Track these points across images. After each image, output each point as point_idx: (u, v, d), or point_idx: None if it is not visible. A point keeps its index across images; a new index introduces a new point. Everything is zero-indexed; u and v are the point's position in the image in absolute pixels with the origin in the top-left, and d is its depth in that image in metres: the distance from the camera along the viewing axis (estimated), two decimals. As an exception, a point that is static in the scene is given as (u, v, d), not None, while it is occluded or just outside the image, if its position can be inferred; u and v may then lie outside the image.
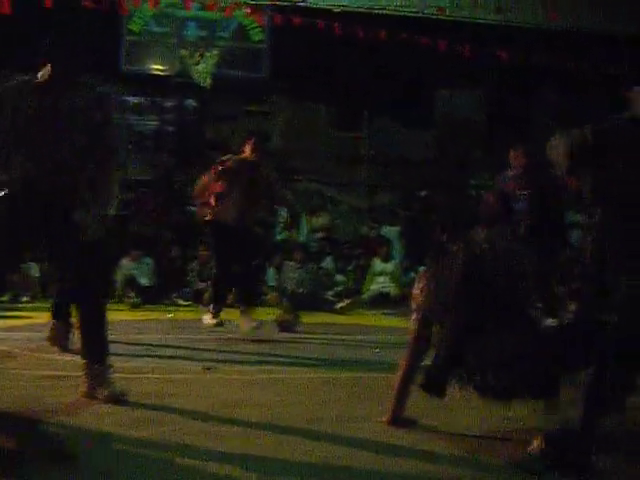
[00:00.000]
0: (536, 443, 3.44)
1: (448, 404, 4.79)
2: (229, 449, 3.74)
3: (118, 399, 4.62)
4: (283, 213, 15.10)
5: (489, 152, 17.61)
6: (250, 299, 8.39)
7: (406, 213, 16.72)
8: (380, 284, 13.95)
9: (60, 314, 6.63)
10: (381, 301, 13.34)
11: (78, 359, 5.09)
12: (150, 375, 5.70)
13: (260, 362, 6.58)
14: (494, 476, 3.37)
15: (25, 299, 11.86)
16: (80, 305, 4.77)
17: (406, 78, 18.33)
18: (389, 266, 14.11)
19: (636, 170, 4.57)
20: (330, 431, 4.11)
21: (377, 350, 7.37)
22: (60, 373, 5.54)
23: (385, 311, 12.05)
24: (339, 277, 14.46)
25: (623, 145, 4.66)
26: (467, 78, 18.50)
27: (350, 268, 14.88)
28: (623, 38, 16.20)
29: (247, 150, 8.41)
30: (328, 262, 14.45)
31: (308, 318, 9.60)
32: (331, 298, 12.77)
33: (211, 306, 8.41)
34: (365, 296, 13.77)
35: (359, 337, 8.73)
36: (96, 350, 4.71)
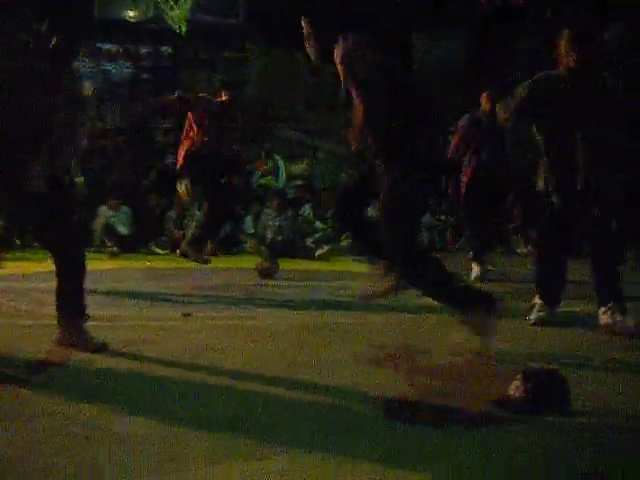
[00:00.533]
0: (516, 383, 3.47)
1: (423, 346, 4.85)
2: (208, 394, 3.75)
3: (96, 348, 4.60)
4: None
5: (468, 98, 17.53)
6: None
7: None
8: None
9: None
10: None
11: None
12: (128, 322, 5.70)
13: (239, 308, 6.59)
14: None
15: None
16: (55, 255, 4.74)
17: (385, 21, 18.11)
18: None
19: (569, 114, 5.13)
20: (309, 376, 4.12)
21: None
22: (38, 322, 5.51)
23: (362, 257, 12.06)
24: (318, 224, 14.46)
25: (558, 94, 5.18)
26: (446, 22, 18.35)
27: (329, 215, 14.85)
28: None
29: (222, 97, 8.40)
30: (307, 209, 14.44)
31: (287, 265, 9.61)
32: (310, 245, 12.78)
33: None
34: (344, 243, 13.78)
35: (337, 283, 8.74)
36: (72, 299, 4.70)
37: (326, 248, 12.06)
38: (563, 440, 3.09)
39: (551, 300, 5.76)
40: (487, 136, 8.44)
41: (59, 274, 4.71)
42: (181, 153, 8.34)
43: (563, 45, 5.54)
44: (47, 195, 4.53)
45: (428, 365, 4.38)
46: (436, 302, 4.68)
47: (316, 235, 13.75)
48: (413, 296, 5.21)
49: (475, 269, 8.67)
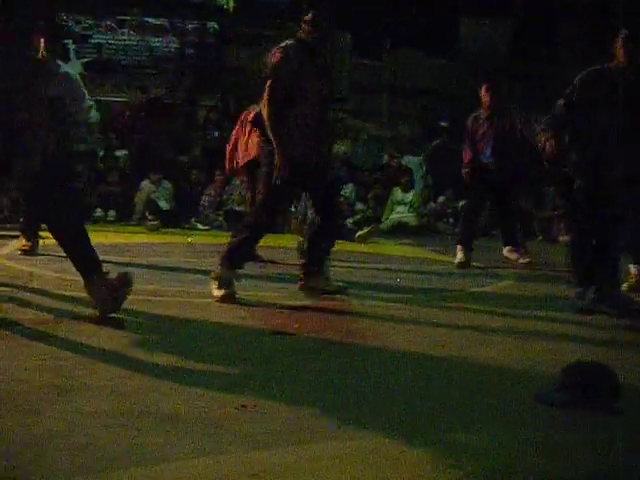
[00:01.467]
0: (561, 376, 3.39)
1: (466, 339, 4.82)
2: (244, 373, 3.75)
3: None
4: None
5: (511, 86, 17.41)
6: None
7: (429, 144, 16.61)
8: (400, 214, 13.97)
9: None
10: (400, 230, 13.39)
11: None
12: (168, 297, 5.73)
13: (279, 288, 6.57)
14: (515, 409, 3.35)
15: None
16: (51, 230, 4.95)
17: (429, 6, 18.02)
18: (409, 196, 14.12)
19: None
20: (345, 356, 4.12)
21: (398, 280, 7.38)
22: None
23: (403, 241, 12.08)
24: (359, 205, 14.45)
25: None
26: (493, 8, 18.19)
27: (370, 196, 14.83)
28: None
29: None
30: (348, 190, 14.42)
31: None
32: (351, 226, 12.76)
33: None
34: (384, 225, 13.77)
35: (377, 265, 8.73)
36: (86, 265, 4.76)
37: (366, 229, 12.00)
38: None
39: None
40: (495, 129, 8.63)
41: (62, 246, 4.86)
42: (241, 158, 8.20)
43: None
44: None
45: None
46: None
47: (356, 216, 13.75)
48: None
49: (459, 254, 8.65)
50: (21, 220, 8.44)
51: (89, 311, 4.72)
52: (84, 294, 4.74)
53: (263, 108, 5.63)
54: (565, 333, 5.03)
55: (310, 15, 5.70)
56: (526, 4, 17.94)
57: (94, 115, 8.01)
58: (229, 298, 5.53)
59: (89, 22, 17.27)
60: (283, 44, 5.70)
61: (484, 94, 8.74)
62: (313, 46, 5.77)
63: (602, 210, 5.55)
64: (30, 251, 7.66)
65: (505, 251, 8.86)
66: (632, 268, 6.78)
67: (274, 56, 5.63)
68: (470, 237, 8.80)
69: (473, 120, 8.84)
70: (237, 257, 5.75)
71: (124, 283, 4.70)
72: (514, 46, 19.28)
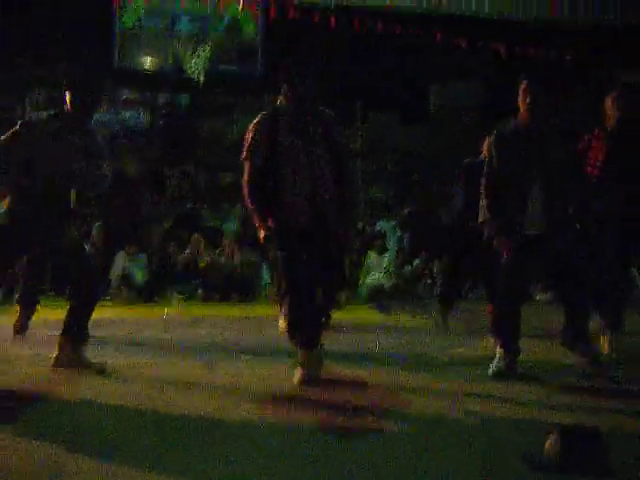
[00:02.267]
0: (550, 440, 3.31)
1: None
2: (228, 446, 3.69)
3: (98, 370, 5.32)
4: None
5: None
6: None
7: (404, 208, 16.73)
8: (374, 278, 13.97)
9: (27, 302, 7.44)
10: (376, 295, 13.38)
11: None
12: (146, 372, 5.65)
13: (259, 355, 6.50)
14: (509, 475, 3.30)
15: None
16: (74, 297, 5.57)
17: (400, 71, 18.28)
18: (383, 259, 14.14)
19: None
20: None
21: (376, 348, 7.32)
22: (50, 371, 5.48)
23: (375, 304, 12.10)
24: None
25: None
26: (461, 70, 18.47)
27: (346, 262, 14.81)
28: (618, 29, 16.22)
29: None
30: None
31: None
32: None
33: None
34: (360, 290, 13.75)
35: (356, 333, 8.69)
36: (79, 328, 5.51)
37: (342, 295, 11.92)
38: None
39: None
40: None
41: (73, 304, 5.52)
42: None
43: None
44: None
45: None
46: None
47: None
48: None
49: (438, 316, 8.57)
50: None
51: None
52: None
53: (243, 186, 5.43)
54: (551, 396, 5.00)
55: (285, 72, 5.37)
56: (492, 65, 18.21)
57: None
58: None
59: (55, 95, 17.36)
60: (257, 118, 5.43)
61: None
62: (293, 108, 5.36)
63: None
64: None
65: None
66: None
67: (247, 135, 5.41)
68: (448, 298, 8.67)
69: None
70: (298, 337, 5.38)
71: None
72: (485, 105, 19.54)
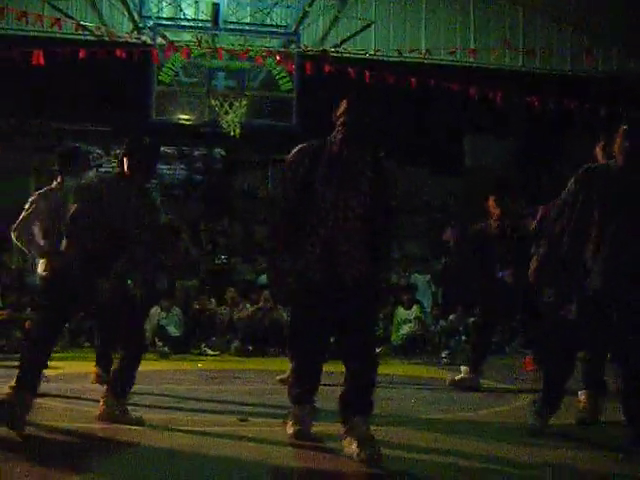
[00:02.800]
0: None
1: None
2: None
3: (138, 423, 5.37)
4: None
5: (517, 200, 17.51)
6: None
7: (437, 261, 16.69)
8: (406, 331, 13.90)
9: (102, 361, 7.21)
10: (410, 347, 13.34)
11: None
12: (183, 427, 5.59)
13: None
14: None
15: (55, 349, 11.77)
16: (125, 351, 5.58)
17: (434, 125, 18.34)
18: (412, 312, 14.07)
19: None
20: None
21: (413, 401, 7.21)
22: (94, 426, 5.45)
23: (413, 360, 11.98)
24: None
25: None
26: (496, 125, 18.50)
27: (380, 316, 14.74)
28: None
29: None
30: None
31: (337, 367, 9.43)
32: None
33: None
34: (394, 343, 13.69)
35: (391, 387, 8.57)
36: (125, 387, 5.57)
37: (377, 350, 11.82)
38: None
39: None
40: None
41: (123, 361, 5.57)
42: None
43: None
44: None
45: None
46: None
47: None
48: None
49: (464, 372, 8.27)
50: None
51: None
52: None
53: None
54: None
55: (343, 107, 4.80)
56: (528, 120, 18.23)
57: None
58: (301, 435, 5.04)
59: (99, 152, 17.60)
60: (300, 146, 4.92)
61: (493, 205, 8.40)
62: (341, 146, 4.75)
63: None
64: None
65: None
66: (580, 395, 6.19)
67: (286, 163, 4.95)
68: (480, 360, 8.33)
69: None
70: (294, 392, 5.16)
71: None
72: (520, 160, 19.53)
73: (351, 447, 4.50)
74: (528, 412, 5.53)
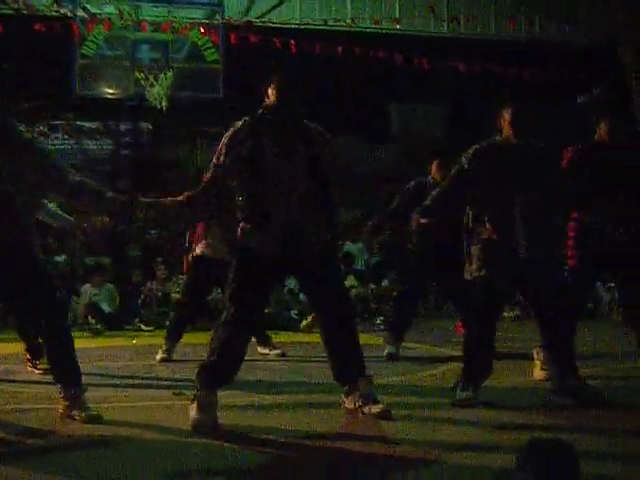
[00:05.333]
0: (518, 455, 3.16)
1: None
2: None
3: (96, 420, 4.74)
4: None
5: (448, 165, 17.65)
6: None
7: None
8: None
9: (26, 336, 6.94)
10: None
11: (40, 390, 5.69)
12: (117, 404, 5.55)
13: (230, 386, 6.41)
14: None
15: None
16: (43, 333, 4.98)
17: (363, 93, 18.36)
18: (348, 281, 14.12)
19: None
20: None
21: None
22: (24, 406, 5.38)
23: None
24: (302, 295, 14.36)
25: None
26: (425, 91, 18.59)
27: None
28: (580, 48, 16.45)
29: None
30: (291, 281, 14.35)
31: (274, 338, 9.46)
32: (295, 316, 12.72)
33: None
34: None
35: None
36: (68, 373, 4.86)
37: (310, 318, 11.86)
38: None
39: None
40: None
41: (49, 351, 4.95)
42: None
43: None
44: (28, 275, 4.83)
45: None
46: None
47: (300, 306, 13.66)
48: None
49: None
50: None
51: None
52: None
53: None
54: (520, 414, 4.97)
55: (274, 79, 4.87)
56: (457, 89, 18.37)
57: None
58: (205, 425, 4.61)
59: (21, 129, 17.25)
60: (235, 126, 4.91)
61: (436, 168, 8.18)
62: (277, 117, 4.87)
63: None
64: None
65: None
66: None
67: (221, 143, 4.91)
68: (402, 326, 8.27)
69: (416, 186, 8.33)
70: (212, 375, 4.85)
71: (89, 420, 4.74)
72: (449, 125, 19.70)
73: (361, 405, 4.85)
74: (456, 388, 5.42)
